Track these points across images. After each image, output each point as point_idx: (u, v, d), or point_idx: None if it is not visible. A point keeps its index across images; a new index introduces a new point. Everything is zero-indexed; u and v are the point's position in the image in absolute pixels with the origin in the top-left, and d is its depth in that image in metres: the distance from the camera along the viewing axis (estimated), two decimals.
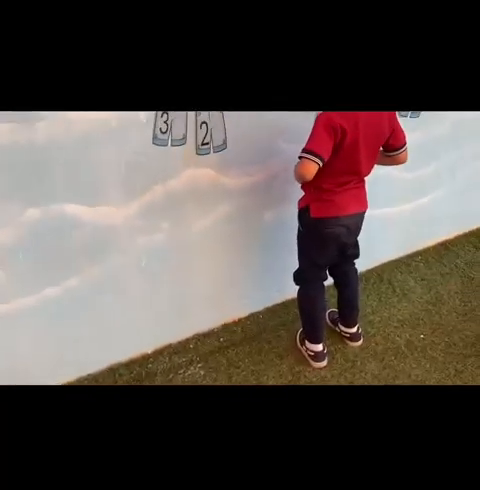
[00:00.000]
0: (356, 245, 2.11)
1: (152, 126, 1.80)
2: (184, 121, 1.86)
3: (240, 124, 1.99)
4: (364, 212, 2.01)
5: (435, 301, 2.54)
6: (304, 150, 1.78)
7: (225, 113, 1.92)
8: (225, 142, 1.99)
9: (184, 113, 1.84)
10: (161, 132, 1.83)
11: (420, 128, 2.57)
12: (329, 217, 1.93)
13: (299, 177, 1.84)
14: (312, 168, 1.77)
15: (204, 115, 1.89)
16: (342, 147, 1.79)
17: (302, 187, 2.00)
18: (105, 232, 1.88)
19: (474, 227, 3.18)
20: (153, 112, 1.78)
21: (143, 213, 1.94)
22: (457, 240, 3.06)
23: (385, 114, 1.87)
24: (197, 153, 1.94)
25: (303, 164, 1.78)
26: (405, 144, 1.93)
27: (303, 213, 1.99)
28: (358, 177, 1.92)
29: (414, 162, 2.67)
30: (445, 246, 3.00)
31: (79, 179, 1.73)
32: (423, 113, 2.51)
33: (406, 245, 2.94)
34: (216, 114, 1.92)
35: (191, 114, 1.86)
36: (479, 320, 2.38)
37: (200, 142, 1.93)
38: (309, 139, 1.78)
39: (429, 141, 2.64)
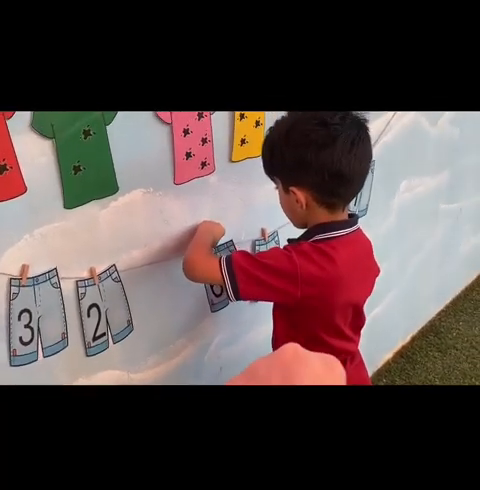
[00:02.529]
0: None
1: (5, 339, 1.00)
2: (60, 314, 1.07)
3: (150, 289, 1.25)
4: None
5: None
6: (231, 261, 1.08)
7: (123, 277, 1.17)
8: (130, 322, 1.23)
9: (59, 307, 1.06)
10: (23, 343, 1.02)
11: (369, 226, 1.99)
12: None
13: (191, 270, 1.16)
14: (213, 279, 1.14)
15: (91, 294, 1.12)
16: (311, 313, 1.13)
17: None
18: None
19: (426, 321, 2.66)
20: (2, 318, 0.98)
21: None
22: (416, 344, 2.50)
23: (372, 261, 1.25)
24: (88, 355, 1.16)
25: (211, 267, 1.10)
26: None
27: None
28: (351, 352, 1.26)
29: None
30: (406, 357, 2.42)
31: None
32: (369, 209, 1.93)
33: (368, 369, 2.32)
34: (112, 287, 1.15)
35: (70, 301, 1.08)
36: None
37: (91, 337, 1.15)
38: (256, 259, 1.10)
39: (379, 240, 2.07)
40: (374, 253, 1.26)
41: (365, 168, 1.10)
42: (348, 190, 1.11)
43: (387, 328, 2.37)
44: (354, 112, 1.08)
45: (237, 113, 1.25)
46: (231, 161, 1.30)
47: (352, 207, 1.84)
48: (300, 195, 1.08)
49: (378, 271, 1.27)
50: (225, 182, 1.32)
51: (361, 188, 1.15)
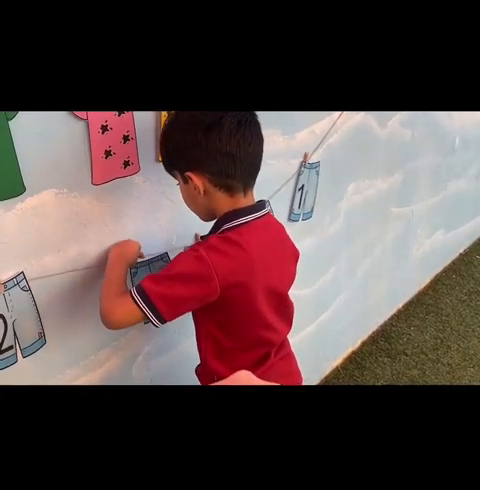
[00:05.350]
0: None
1: None
2: None
3: (66, 298, 1.16)
4: None
5: None
6: (143, 291, 1.03)
7: (33, 286, 1.07)
8: (42, 335, 1.13)
9: None
10: None
11: (315, 230, 1.94)
12: None
13: (109, 322, 1.09)
14: (135, 319, 1.05)
15: None
16: (233, 304, 1.10)
17: (200, 372, 1.24)
18: None
19: (377, 326, 2.62)
20: None
21: None
22: (365, 349, 2.46)
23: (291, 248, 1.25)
24: None
25: (127, 309, 1.04)
26: None
27: None
28: (276, 343, 1.21)
29: (314, 273, 2.04)
30: (355, 362, 2.38)
31: None
32: (315, 211, 1.87)
33: (314, 376, 2.26)
34: (20, 296, 1.05)
35: None
36: None
37: None
38: (167, 276, 1.06)
39: (326, 243, 2.02)
40: (289, 236, 1.25)
41: (256, 150, 1.10)
42: (242, 171, 1.08)
43: (336, 333, 2.32)
44: None
45: None
46: (159, 161, 1.22)
47: (296, 209, 1.78)
48: (197, 180, 1.07)
49: (297, 253, 1.27)
50: (152, 183, 1.23)
51: (257, 170, 1.13)
